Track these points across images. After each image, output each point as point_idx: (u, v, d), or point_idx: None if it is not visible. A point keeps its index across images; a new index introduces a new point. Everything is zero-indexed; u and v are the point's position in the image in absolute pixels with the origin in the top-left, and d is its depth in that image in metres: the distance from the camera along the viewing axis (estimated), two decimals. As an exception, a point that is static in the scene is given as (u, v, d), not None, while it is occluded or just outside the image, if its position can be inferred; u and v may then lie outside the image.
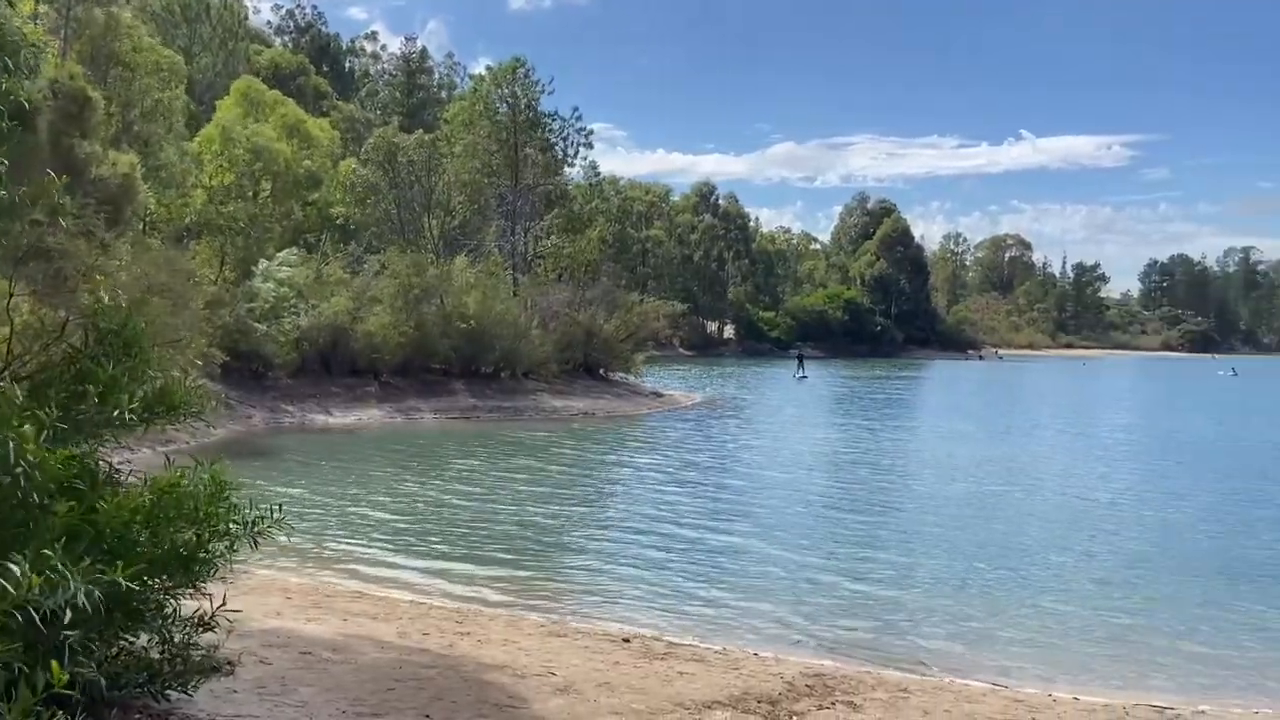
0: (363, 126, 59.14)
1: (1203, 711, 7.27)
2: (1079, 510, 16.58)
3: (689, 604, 10.47)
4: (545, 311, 36.96)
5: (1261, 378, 77.93)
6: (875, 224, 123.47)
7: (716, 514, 15.48)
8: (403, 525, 14.12)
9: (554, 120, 43.04)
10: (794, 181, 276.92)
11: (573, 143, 43.74)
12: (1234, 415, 39.36)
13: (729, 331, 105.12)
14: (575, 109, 43.00)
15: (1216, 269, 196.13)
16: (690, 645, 8.69)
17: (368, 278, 33.78)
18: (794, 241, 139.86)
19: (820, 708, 6.86)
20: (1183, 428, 33.25)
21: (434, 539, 13.23)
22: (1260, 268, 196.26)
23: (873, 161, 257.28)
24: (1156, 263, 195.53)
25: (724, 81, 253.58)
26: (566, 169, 46.30)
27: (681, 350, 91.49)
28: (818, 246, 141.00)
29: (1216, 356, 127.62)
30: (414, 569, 11.62)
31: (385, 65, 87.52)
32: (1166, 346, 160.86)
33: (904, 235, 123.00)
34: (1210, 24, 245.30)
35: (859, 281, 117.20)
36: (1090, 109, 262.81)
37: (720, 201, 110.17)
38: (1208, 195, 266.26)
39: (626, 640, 8.58)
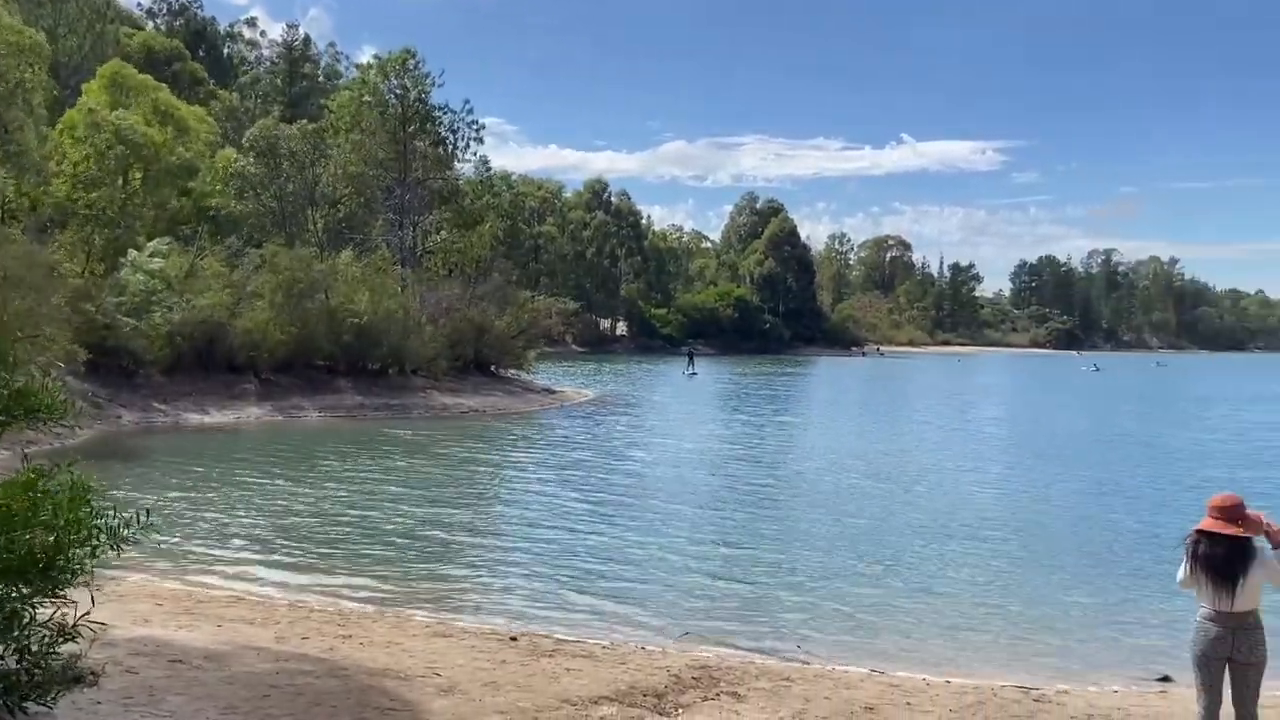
0: (243, 115, 57.05)
1: (1065, 690, 7.65)
2: (955, 502, 17.21)
3: (577, 600, 10.47)
4: (435, 308, 36.36)
5: (1121, 373, 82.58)
6: (764, 223, 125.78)
7: (604, 511, 15.51)
8: (281, 527, 13.70)
9: (444, 113, 42.31)
10: (685, 180, 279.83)
11: (463, 136, 43.10)
12: (1097, 410, 41.61)
13: (622, 328, 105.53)
14: (466, 102, 42.49)
15: (1081, 270, 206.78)
16: (578, 641, 8.70)
17: (247, 271, 32.60)
18: (685, 240, 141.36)
19: (705, 699, 6.96)
20: (1050, 422, 34.98)
21: (314, 541, 12.88)
22: (1121, 269, 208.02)
23: (762, 162, 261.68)
24: (1026, 264, 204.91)
25: (616, 78, 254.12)
26: (457, 164, 45.60)
27: (574, 347, 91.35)
28: (709, 245, 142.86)
29: (1081, 353, 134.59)
30: (293, 572, 11.29)
31: (265, 53, 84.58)
32: (1035, 344, 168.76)
33: (791, 235, 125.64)
34: (1075, 35, 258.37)
35: (748, 280, 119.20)
36: (966, 115, 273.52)
37: (613, 199, 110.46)
38: (1074, 199, 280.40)
39: (514, 638, 8.53)
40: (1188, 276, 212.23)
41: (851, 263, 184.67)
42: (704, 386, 48.76)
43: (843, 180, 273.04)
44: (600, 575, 11.52)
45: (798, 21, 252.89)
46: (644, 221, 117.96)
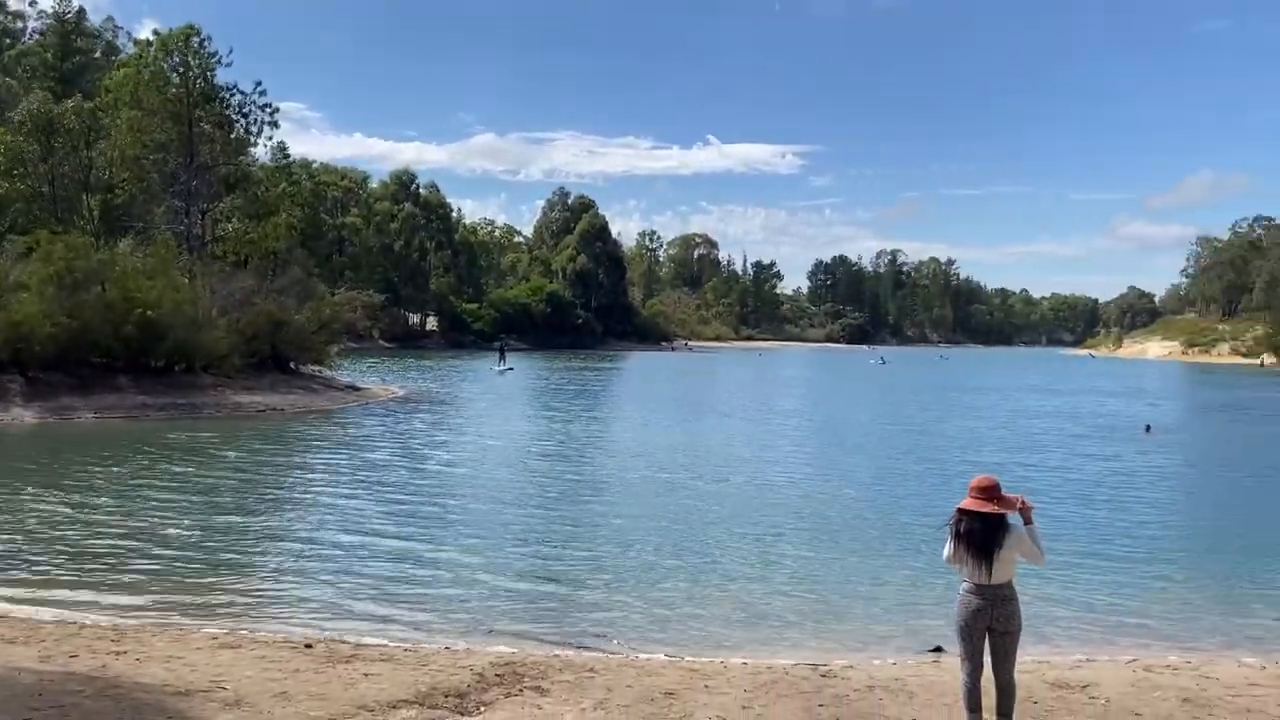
0: (4, 91, 51.83)
1: (849, 665, 8.09)
2: (753, 492, 17.85)
3: (377, 606, 10.15)
4: (228, 300, 34.30)
5: (905, 366, 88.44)
6: (576, 219, 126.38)
7: (404, 513, 15.07)
8: (46, 541, 12.53)
9: (232, 94, 39.80)
10: (497, 174, 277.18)
11: (256, 120, 40.72)
12: (884, 401, 44.34)
13: (432, 323, 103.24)
14: (258, 83, 39.93)
15: (870, 269, 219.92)
16: (378, 645, 8.43)
17: (9, 260, 29.63)
18: (497, 234, 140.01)
19: (509, 695, 6.90)
20: (842, 413, 36.98)
21: (85, 555, 11.85)
22: (905, 269, 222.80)
23: (574, 158, 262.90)
24: (822, 263, 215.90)
25: (427, 68, 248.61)
26: (251, 149, 43.13)
27: (382, 343, 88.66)
28: (521, 240, 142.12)
29: (872, 348, 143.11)
30: (61, 589, 10.35)
31: (34, 24, 77.20)
32: (830, 339, 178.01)
33: (603, 231, 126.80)
34: (863, 46, 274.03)
35: (560, 275, 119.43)
36: (768, 119, 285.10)
37: (421, 190, 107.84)
38: (864, 203, 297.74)
39: (308, 645, 8.16)
40: (963, 276, 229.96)
41: (661, 260, 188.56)
42: (516, 382, 48.48)
43: (652, 179, 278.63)
44: (401, 579, 11.20)
45: (610, 19, 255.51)
46: (454, 215, 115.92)
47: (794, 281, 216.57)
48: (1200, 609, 10.68)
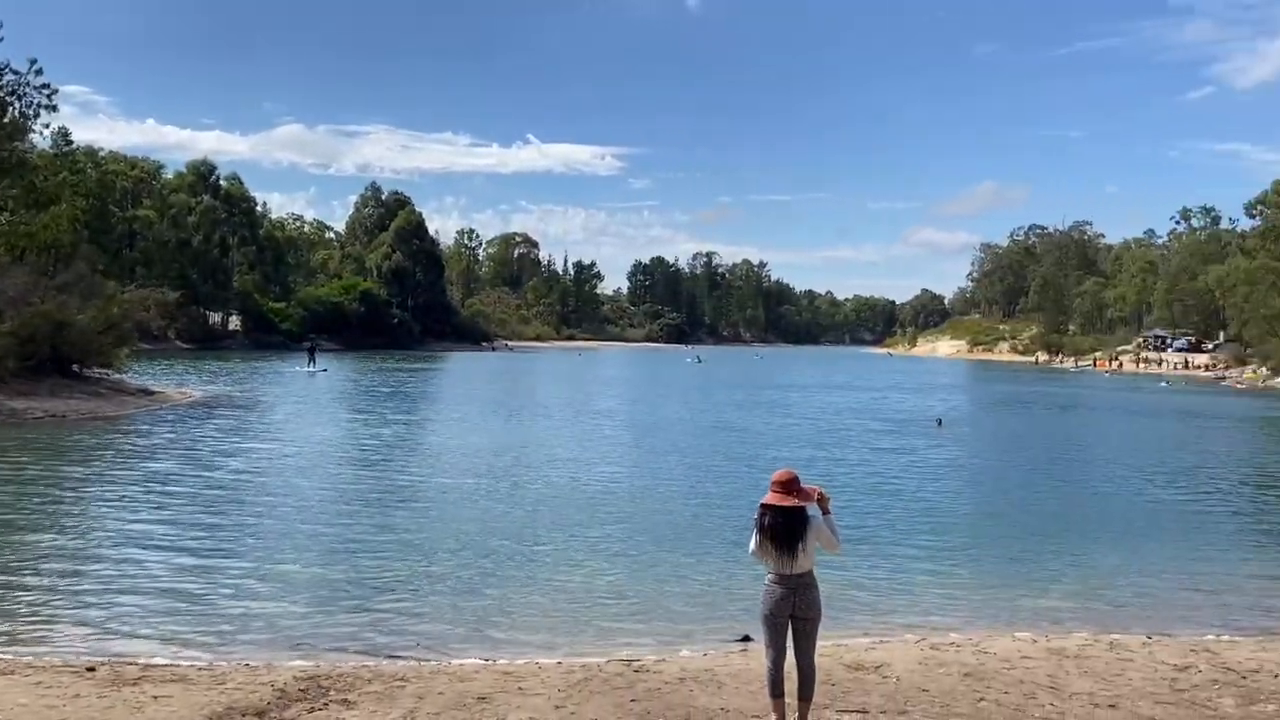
0: None
1: (662, 659, 8.25)
2: (568, 492, 17.89)
3: (167, 622, 9.51)
4: (1, 299, 31.25)
5: (720, 364, 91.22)
6: (390, 216, 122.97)
7: (196, 524, 14.15)
8: None
9: (2, 74, 36.25)
10: (306, 167, 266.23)
11: (31, 103, 37.25)
12: (700, 399, 45.53)
13: (235, 323, 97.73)
14: (34, 63, 36.56)
15: (687, 271, 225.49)
16: (169, 665, 7.90)
17: None
18: (306, 230, 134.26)
19: (312, 710, 6.63)
20: (659, 412, 37.70)
21: None
22: (720, 270, 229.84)
23: (389, 153, 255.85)
24: (641, 264, 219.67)
25: (227, 52, 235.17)
26: (29, 134, 39.42)
27: (179, 343, 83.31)
28: (332, 236, 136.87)
29: (692, 347, 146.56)
30: None
31: None
32: (650, 338, 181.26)
33: (419, 228, 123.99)
34: (677, 50, 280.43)
35: (375, 273, 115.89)
36: (588, 120, 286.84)
37: (222, 182, 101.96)
38: (681, 205, 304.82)
39: (90, 669, 7.55)
40: (774, 278, 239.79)
41: (481, 259, 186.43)
42: (329, 384, 46.64)
43: (471, 176, 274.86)
44: (191, 595, 10.52)
45: (427, 11, 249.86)
46: (259, 209, 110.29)
47: (614, 282, 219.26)
48: (983, 589, 11.54)
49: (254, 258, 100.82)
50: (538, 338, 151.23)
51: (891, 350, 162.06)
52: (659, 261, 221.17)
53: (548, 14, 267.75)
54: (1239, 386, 66.89)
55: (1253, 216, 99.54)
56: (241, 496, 16.58)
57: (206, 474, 18.83)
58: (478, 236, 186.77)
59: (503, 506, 16.07)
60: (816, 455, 23.67)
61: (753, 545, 6.20)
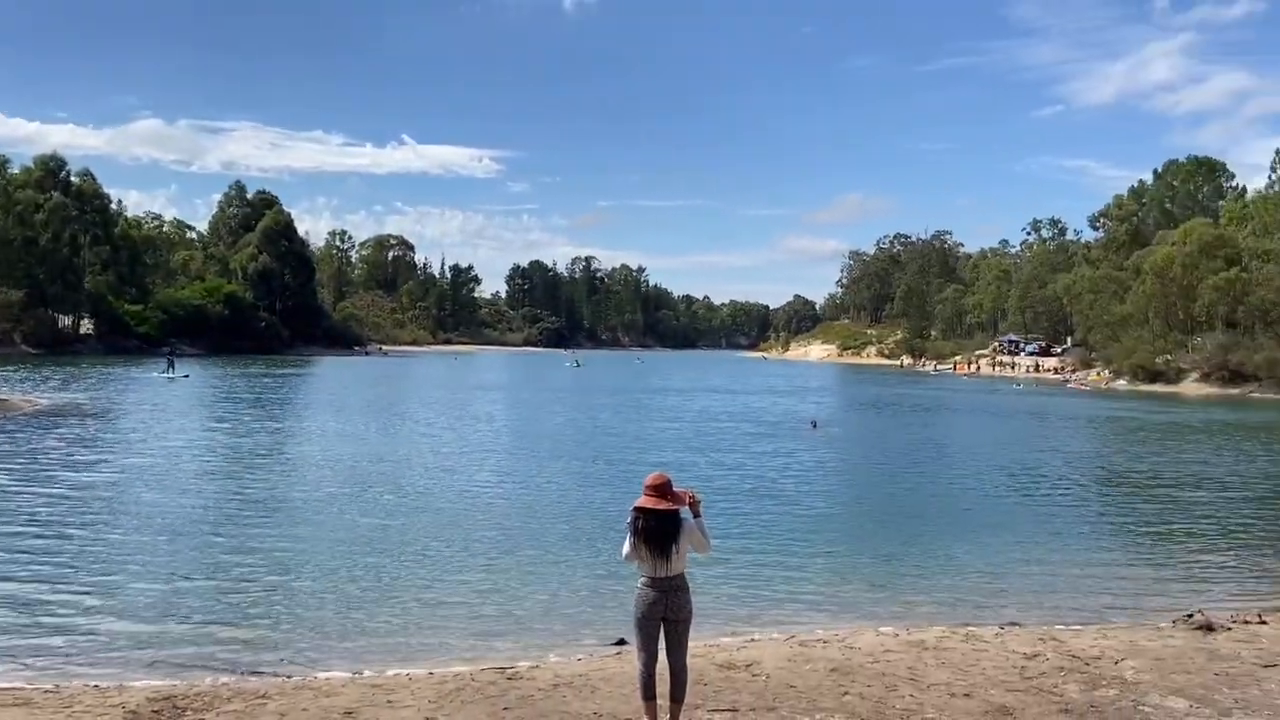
0: None
1: (536, 665, 8.19)
2: (443, 500, 17.57)
3: (8, 642, 8.89)
4: None
5: (599, 368, 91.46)
6: (257, 216, 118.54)
7: (43, 540, 13.24)
8: None
9: None
10: (167, 164, 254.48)
11: None
12: (577, 404, 45.50)
13: (88, 326, 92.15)
14: None
15: (566, 275, 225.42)
16: (10, 689, 7.38)
17: None
18: (166, 229, 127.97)
19: (166, 734, 6.30)
20: (537, 417, 37.48)
21: None
22: (599, 274, 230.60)
23: (257, 150, 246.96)
24: (519, 267, 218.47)
25: (80, 43, 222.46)
26: None
27: (25, 348, 78.21)
28: (194, 236, 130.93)
29: (573, 351, 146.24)
30: None
31: None
32: (529, 342, 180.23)
33: (288, 229, 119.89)
34: (554, 53, 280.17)
35: (240, 275, 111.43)
36: (464, 122, 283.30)
37: (73, 178, 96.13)
38: (560, 209, 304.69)
39: (-84, 701, 6.98)
40: (652, 283, 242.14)
41: (354, 261, 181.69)
42: (186, 391, 44.51)
43: (344, 176, 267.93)
44: (36, 615, 9.86)
45: (298, 6, 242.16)
46: (114, 207, 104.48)
47: (492, 285, 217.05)
48: (850, 586, 11.91)
49: (108, 258, 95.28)
50: (413, 342, 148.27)
51: (766, 354, 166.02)
52: (538, 265, 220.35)
53: (423, 13, 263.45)
54: (1082, 388, 71.24)
55: (1096, 229, 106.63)
56: (89, 511, 15.54)
57: (52, 488, 17.60)
58: (350, 238, 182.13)
59: (372, 517, 15.60)
60: (694, 459, 23.97)
61: (626, 549, 6.21)
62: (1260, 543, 14.79)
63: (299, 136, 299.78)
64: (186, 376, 51.91)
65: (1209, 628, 9.38)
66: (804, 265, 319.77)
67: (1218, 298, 71.54)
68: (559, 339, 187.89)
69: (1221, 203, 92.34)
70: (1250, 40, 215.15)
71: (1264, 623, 9.73)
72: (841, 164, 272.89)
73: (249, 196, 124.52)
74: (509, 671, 7.86)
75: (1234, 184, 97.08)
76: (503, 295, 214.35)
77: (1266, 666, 7.97)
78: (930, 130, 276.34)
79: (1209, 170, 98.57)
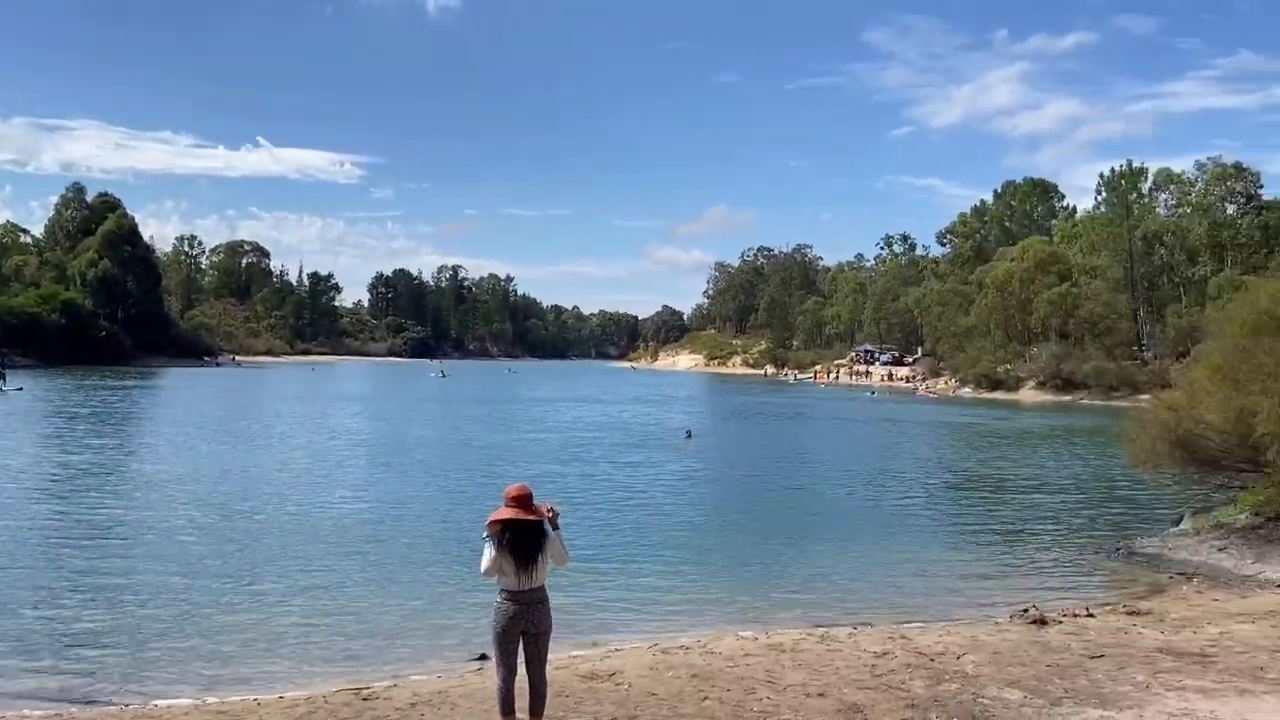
0: None
1: (393, 685, 7.98)
2: (298, 517, 16.89)
3: None
4: None
5: (467, 378, 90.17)
6: (98, 219, 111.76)
7: None
8: None
9: None
10: (1, 164, 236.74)
11: None
12: (444, 415, 44.71)
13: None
14: None
15: (432, 283, 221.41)
16: None
17: None
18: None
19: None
20: (401, 429, 36.60)
21: None
22: (467, 284, 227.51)
23: (99, 151, 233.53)
24: (383, 276, 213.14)
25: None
26: None
27: None
28: (29, 241, 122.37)
29: (440, 361, 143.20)
30: None
31: None
32: (393, 352, 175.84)
33: (132, 234, 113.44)
34: (418, 57, 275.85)
35: (79, 282, 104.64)
36: (324, 126, 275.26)
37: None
38: (425, 217, 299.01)
39: None
40: (521, 293, 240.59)
41: (204, 267, 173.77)
42: (19, 405, 41.46)
43: (193, 179, 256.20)
44: None
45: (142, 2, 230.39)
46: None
47: (354, 294, 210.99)
48: (714, 592, 12.12)
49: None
50: (269, 352, 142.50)
51: (635, 364, 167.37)
52: (402, 274, 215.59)
53: (277, 14, 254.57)
54: (930, 396, 74.82)
55: (943, 245, 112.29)
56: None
57: None
58: (200, 244, 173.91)
59: (217, 538, 14.78)
60: (563, 470, 23.90)
61: (486, 563, 6.09)
62: (1090, 540, 15.81)
63: (145, 137, 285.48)
64: (20, 389, 48.42)
65: (1042, 622, 9.97)
66: (672, 276, 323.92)
67: (1051, 311, 76.49)
68: (425, 349, 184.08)
69: (1054, 222, 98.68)
70: (1081, 70, 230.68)
71: (1091, 615, 10.39)
72: (709, 177, 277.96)
73: (89, 199, 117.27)
74: (364, 692, 7.63)
75: (1065, 204, 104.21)
76: (365, 304, 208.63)
77: (1093, 657, 8.52)
78: (793, 147, 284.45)
79: (1043, 191, 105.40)
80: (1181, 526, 15.46)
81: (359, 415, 43.07)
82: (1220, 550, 13.53)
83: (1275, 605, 10.72)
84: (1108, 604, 11.24)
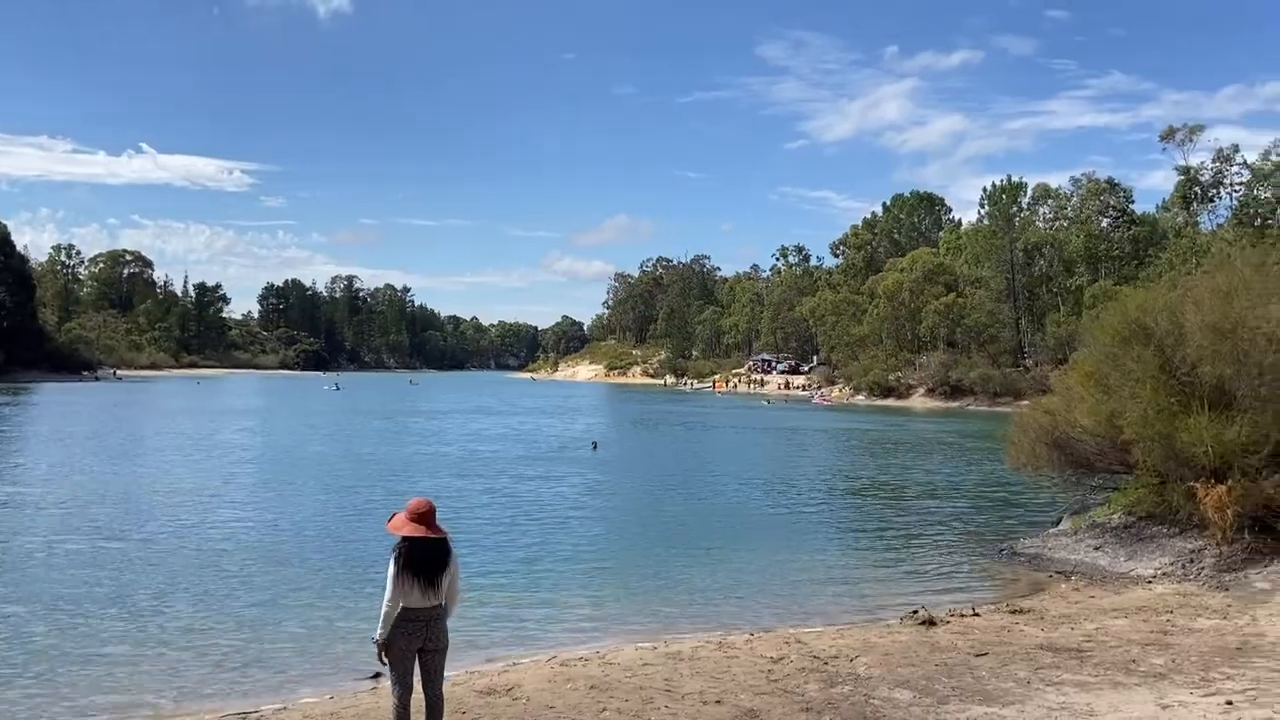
0: None
1: (283, 708, 7.73)
2: (183, 540, 16.20)
3: None
4: None
5: (361, 391, 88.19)
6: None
7: None
8: None
9: None
10: None
11: None
12: (337, 428, 43.61)
13: None
14: None
15: (326, 294, 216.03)
16: None
17: None
18: None
19: None
20: (293, 445, 35.49)
21: None
22: (362, 294, 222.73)
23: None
24: (274, 286, 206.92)
25: None
26: None
27: None
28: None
29: (337, 374, 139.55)
30: None
31: None
32: (285, 365, 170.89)
33: (3, 242, 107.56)
34: (308, 64, 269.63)
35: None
36: (212, 132, 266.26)
37: None
38: (319, 226, 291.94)
39: None
40: (419, 303, 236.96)
41: (83, 278, 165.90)
42: None
43: (72, 185, 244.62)
44: None
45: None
46: None
47: (244, 305, 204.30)
48: (614, 603, 12.11)
49: None
50: (153, 365, 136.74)
51: (535, 375, 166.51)
52: (295, 284, 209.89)
53: (163, 15, 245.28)
54: (825, 403, 76.61)
55: (836, 256, 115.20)
56: None
57: None
58: (79, 253, 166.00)
59: (94, 564, 13.89)
60: (464, 485, 23.51)
61: (388, 594, 5.93)
62: (977, 542, 16.40)
63: (19, 141, 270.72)
64: None
65: (931, 622, 10.29)
66: (572, 286, 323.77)
67: (939, 320, 79.40)
68: (318, 361, 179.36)
69: (941, 234, 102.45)
70: (966, 88, 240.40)
71: (977, 615, 10.78)
72: (608, 187, 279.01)
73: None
74: (253, 716, 7.37)
75: (951, 217, 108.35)
76: (255, 316, 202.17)
77: (978, 655, 8.83)
78: (690, 159, 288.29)
79: (930, 204, 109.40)
80: (1060, 527, 16.17)
81: (247, 431, 41.55)
82: (1096, 549, 14.19)
83: (1146, 600, 11.31)
84: (992, 603, 11.67)
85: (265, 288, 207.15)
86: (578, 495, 22.33)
